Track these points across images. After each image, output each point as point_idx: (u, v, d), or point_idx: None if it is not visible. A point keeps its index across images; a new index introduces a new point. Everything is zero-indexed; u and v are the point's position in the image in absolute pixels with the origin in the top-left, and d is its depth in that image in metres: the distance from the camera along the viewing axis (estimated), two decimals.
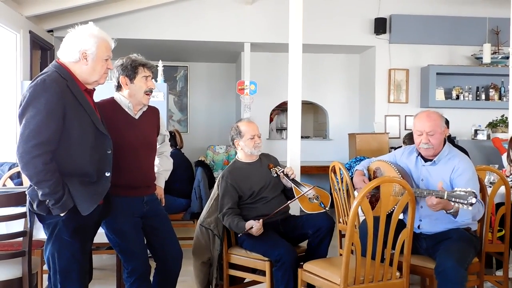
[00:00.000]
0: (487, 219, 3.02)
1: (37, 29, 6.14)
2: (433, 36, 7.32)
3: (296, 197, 3.23)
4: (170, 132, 4.55)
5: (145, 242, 2.78)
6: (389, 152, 4.16)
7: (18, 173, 4.08)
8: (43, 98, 2.09)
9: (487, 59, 6.93)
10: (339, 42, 7.38)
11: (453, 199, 2.55)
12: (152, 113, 2.85)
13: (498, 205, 3.34)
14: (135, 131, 2.70)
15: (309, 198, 3.27)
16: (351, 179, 3.43)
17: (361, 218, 3.11)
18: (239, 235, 3.26)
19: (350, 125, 8.05)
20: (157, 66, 5.06)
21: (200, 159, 5.27)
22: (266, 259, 3.08)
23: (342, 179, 3.75)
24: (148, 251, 2.78)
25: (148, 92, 2.73)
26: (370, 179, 3.13)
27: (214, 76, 9.03)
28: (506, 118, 6.85)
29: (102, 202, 2.37)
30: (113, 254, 4.01)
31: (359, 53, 8.09)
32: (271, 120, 8.92)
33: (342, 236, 3.97)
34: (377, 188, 2.91)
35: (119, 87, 2.73)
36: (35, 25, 6.10)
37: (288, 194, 3.44)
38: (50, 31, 6.69)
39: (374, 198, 2.99)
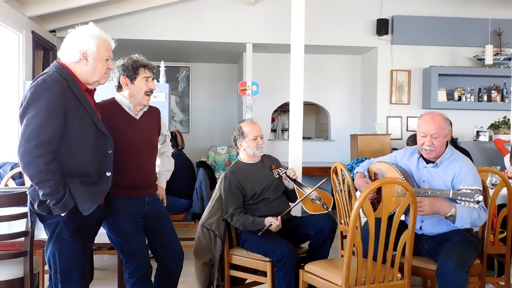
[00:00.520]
0: (489, 220, 3.01)
1: (39, 29, 6.15)
2: (435, 37, 7.31)
3: (299, 198, 3.23)
4: (171, 133, 4.55)
5: (147, 243, 2.78)
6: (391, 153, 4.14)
7: (20, 173, 4.08)
8: (44, 98, 2.09)
9: (489, 60, 6.93)
10: (341, 43, 7.37)
11: (458, 198, 2.53)
12: (153, 113, 2.85)
13: (500, 207, 3.33)
14: (136, 132, 2.70)
15: (312, 199, 3.28)
16: (353, 180, 3.42)
17: (363, 220, 3.10)
18: (241, 236, 3.26)
19: (351, 126, 8.05)
20: (159, 66, 5.07)
21: (201, 159, 5.27)
22: (268, 259, 3.07)
23: (343, 180, 3.75)
24: (149, 251, 2.78)
25: (149, 93, 2.74)
26: (371, 181, 3.12)
27: (216, 77, 9.04)
28: (508, 119, 6.85)
29: (103, 202, 2.37)
30: (114, 254, 4.02)
31: (361, 54, 8.08)
32: (272, 120, 8.93)
33: (343, 237, 3.97)
34: (379, 190, 2.91)
35: (119, 88, 2.73)
36: (38, 25, 6.11)
37: (289, 195, 3.44)
38: (53, 31, 6.71)
39: (376, 200, 2.98)
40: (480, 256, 2.93)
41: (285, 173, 3.36)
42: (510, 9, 7.40)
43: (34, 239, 2.62)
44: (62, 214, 2.18)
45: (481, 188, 2.55)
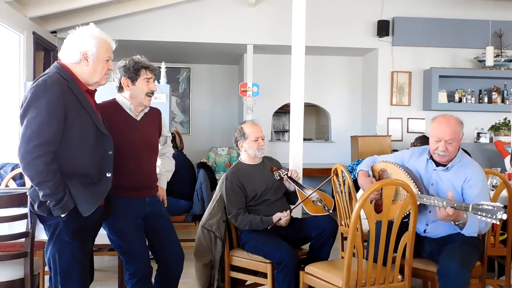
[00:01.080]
0: None
1: (40, 30, 6.16)
2: (436, 39, 7.31)
3: (300, 200, 3.24)
4: (171, 133, 4.55)
5: (147, 244, 2.78)
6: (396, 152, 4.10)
7: (21, 174, 4.08)
8: (45, 99, 2.09)
9: (490, 62, 6.93)
10: (342, 45, 7.38)
11: (479, 213, 2.40)
12: (153, 114, 2.85)
13: None
14: (137, 132, 2.70)
15: (313, 200, 3.28)
16: (355, 180, 3.41)
17: (363, 221, 3.09)
18: (241, 237, 3.26)
19: (352, 128, 8.04)
20: (159, 67, 5.07)
21: (202, 161, 5.27)
22: (268, 261, 3.07)
23: (344, 181, 3.75)
24: (149, 252, 2.78)
25: (150, 94, 2.74)
26: (376, 180, 3.09)
27: (216, 78, 9.04)
28: (509, 121, 6.85)
29: (103, 203, 2.37)
30: (115, 255, 4.01)
31: (361, 55, 8.09)
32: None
33: (344, 238, 3.96)
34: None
35: (120, 89, 2.73)
36: (39, 26, 6.12)
37: (290, 197, 3.45)
38: (54, 32, 6.71)
39: (381, 201, 2.95)
40: (481, 257, 2.92)
41: (287, 174, 3.37)
42: (511, 10, 7.40)
43: (35, 240, 2.61)
44: (62, 215, 2.18)
45: (487, 201, 2.42)
